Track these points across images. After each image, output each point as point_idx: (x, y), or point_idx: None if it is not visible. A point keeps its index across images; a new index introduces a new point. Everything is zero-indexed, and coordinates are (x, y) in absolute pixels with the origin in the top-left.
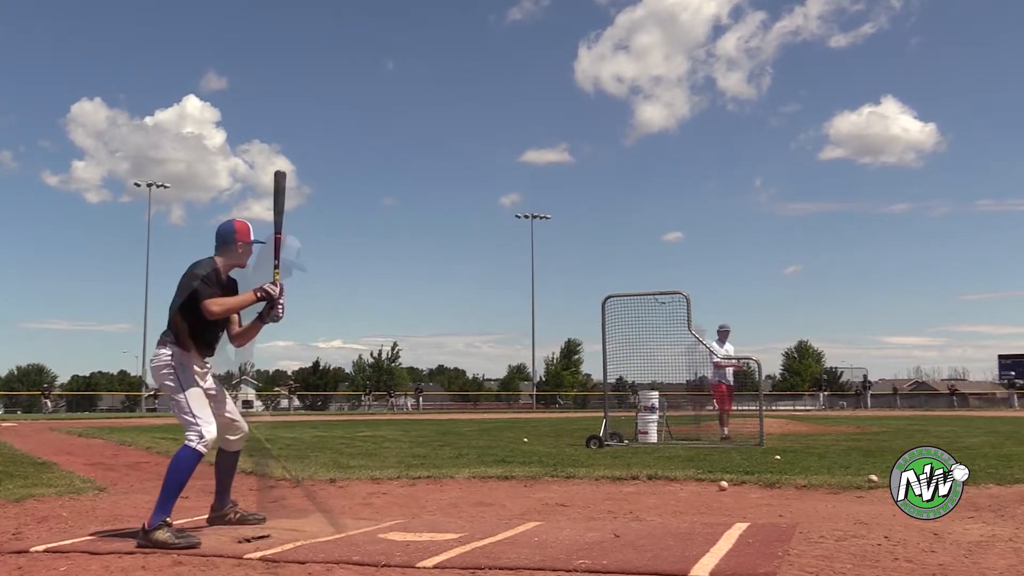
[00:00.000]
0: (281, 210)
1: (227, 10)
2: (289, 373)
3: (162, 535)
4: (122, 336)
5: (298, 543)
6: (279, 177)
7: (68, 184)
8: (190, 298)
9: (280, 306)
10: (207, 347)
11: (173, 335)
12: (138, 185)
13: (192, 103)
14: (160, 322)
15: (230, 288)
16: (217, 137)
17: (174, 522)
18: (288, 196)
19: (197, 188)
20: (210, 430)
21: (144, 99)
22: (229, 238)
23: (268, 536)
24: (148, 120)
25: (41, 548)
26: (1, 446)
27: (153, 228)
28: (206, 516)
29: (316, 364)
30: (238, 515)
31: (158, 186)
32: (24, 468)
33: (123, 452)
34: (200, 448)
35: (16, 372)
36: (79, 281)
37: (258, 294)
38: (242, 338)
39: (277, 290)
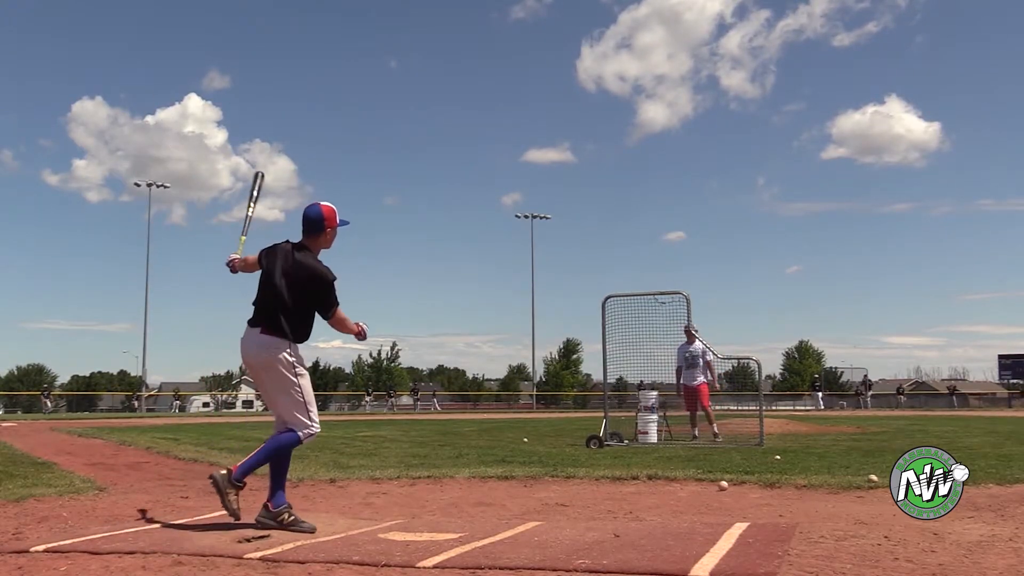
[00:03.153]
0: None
1: (229, 9)
2: None
3: (287, 516)
4: (122, 336)
5: (298, 543)
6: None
7: (68, 183)
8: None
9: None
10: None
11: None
12: (138, 185)
13: (194, 102)
14: (160, 322)
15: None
16: (218, 136)
17: (176, 521)
18: (289, 195)
19: (198, 187)
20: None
21: (146, 98)
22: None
23: (268, 536)
24: (149, 119)
25: (41, 548)
26: (1, 446)
27: (154, 228)
28: (204, 517)
29: (316, 364)
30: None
31: (158, 186)
32: (24, 468)
33: (123, 452)
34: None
35: (16, 372)
36: (79, 281)
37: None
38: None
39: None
